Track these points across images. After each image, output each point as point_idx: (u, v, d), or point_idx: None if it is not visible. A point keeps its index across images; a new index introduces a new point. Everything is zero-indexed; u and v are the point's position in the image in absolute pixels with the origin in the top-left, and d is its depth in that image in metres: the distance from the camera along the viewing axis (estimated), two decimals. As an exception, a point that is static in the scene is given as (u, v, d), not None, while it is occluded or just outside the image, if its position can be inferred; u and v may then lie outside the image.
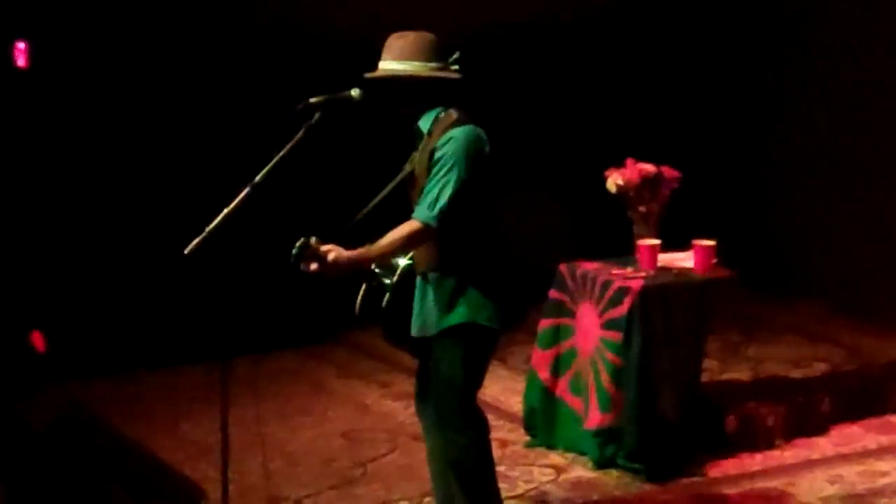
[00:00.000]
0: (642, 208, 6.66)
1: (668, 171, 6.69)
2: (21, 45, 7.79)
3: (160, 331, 8.01)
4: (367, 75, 5.04)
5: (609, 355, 6.29)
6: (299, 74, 8.03)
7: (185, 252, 4.72)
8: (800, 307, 9.13)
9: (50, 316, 7.58)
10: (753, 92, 9.62)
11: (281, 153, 4.86)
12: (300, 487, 6.19)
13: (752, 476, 6.30)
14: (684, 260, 6.61)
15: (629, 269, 6.50)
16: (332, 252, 4.78)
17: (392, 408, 7.40)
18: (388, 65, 5.00)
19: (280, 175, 4.85)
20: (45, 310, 7.67)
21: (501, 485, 6.14)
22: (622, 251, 6.72)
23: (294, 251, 4.75)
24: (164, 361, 7.96)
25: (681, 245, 6.69)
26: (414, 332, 5.05)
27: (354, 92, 5.03)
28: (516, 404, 7.03)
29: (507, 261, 5.11)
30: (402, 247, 4.90)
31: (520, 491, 6.12)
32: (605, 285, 6.38)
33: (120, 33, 8.08)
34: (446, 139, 4.88)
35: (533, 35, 9.29)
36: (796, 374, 7.68)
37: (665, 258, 6.60)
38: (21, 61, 7.81)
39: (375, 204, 5.11)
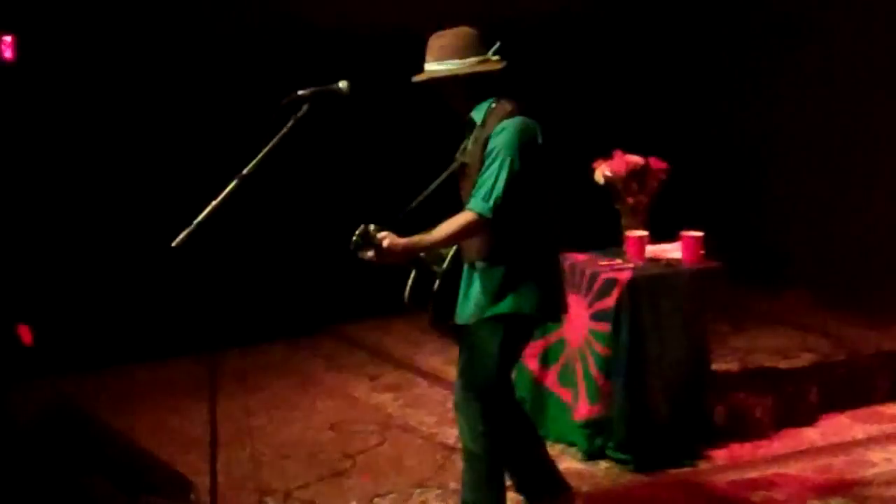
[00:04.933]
0: (630, 200, 6.66)
1: (656, 163, 6.70)
2: (7, 38, 7.77)
3: (148, 323, 8.00)
4: (414, 79, 5.09)
5: (598, 346, 6.29)
6: (288, 66, 8.02)
7: (173, 245, 4.71)
8: (787, 298, 9.14)
9: (37, 309, 7.56)
10: (741, 85, 9.63)
11: (269, 145, 4.85)
12: (289, 479, 6.18)
13: (740, 466, 6.30)
14: (672, 251, 6.62)
15: (617, 261, 6.50)
16: (387, 238, 4.79)
17: (381, 400, 7.40)
18: (430, 66, 5.06)
19: (268, 167, 4.84)
20: (32, 303, 7.65)
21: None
22: (610, 243, 6.73)
23: (354, 238, 4.76)
24: (152, 354, 7.95)
25: (669, 236, 6.69)
26: (459, 319, 5.07)
27: (342, 84, 5.03)
28: (505, 396, 7.03)
29: (553, 251, 5.15)
30: (458, 237, 4.93)
31: (509, 482, 6.11)
32: (594, 277, 6.38)
33: (107, 26, 8.07)
34: (499, 130, 4.93)
35: (521, 28, 9.28)
36: (784, 364, 7.69)
37: (653, 249, 6.60)
38: (7, 54, 7.78)
39: (425, 194, 5.09)
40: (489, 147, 4.92)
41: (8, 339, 7.36)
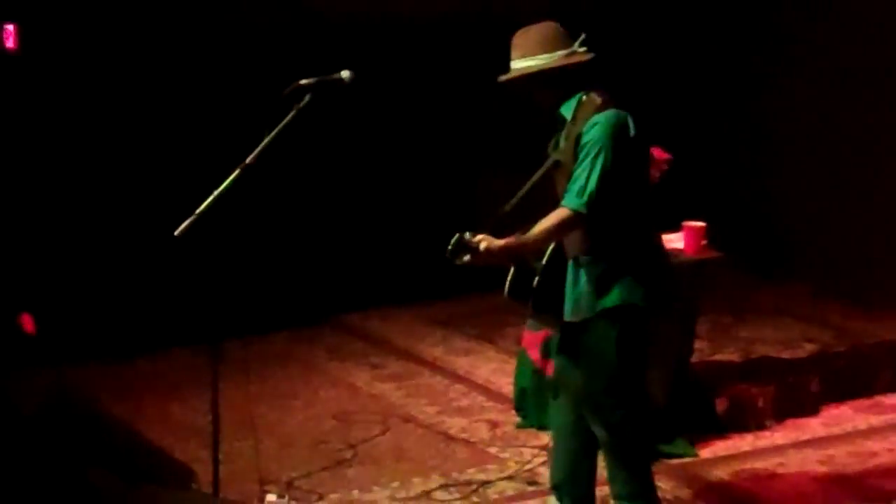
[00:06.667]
0: (633, 190, 6.64)
1: (659, 153, 6.68)
2: (10, 28, 7.76)
3: (151, 313, 8.00)
4: (500, 78, 5.05)
5: (599, 337, 6.28)
6: (290, 56, 8.01)
7: (176, 234, 4.72)
8: (789, 288, 9.13)
9: (40, 298, 7.56)
10: (743, 75, 9.62)
11: (272, 134, 4.85)
12: (291, 469, 6.19)
13: (742, 457, 6.31)
14: (674, 241, 6.61)
15: (619, 251, 6.48)
16: (484, 241, 4.76)
17: (383, 389, 7.40)
18: (516, 64, 5.02)
19: (271, 157, 4.84)
20: (35, 292, 7.66)
21: (491, 466, 6.18)
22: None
23: (450, 247, 4.73)
24: (154, 344, 7.95)
25: (671, 227, 6.68)
26: (568, 316, 5.01)
27: (345, 74, 5.02)
28: (507, 385, 7.03)
29: (656, 241, 5.11)
30: (555, 234, 4.88)
31: (511, 472, 6.13)
32: (596, 267, 6.36)
33: (109, 15, 8.05)
34: (591, 124, 4.87)
35: (521, 23, 9.26)
36: (786, 355, 7.69)
37: (655, 239, 6.59)
38: (10, 43, 7.78)
39: (520, 194, 4.99)
40: (582, 141, 4.86)
41: (10, 328, 7.37)
